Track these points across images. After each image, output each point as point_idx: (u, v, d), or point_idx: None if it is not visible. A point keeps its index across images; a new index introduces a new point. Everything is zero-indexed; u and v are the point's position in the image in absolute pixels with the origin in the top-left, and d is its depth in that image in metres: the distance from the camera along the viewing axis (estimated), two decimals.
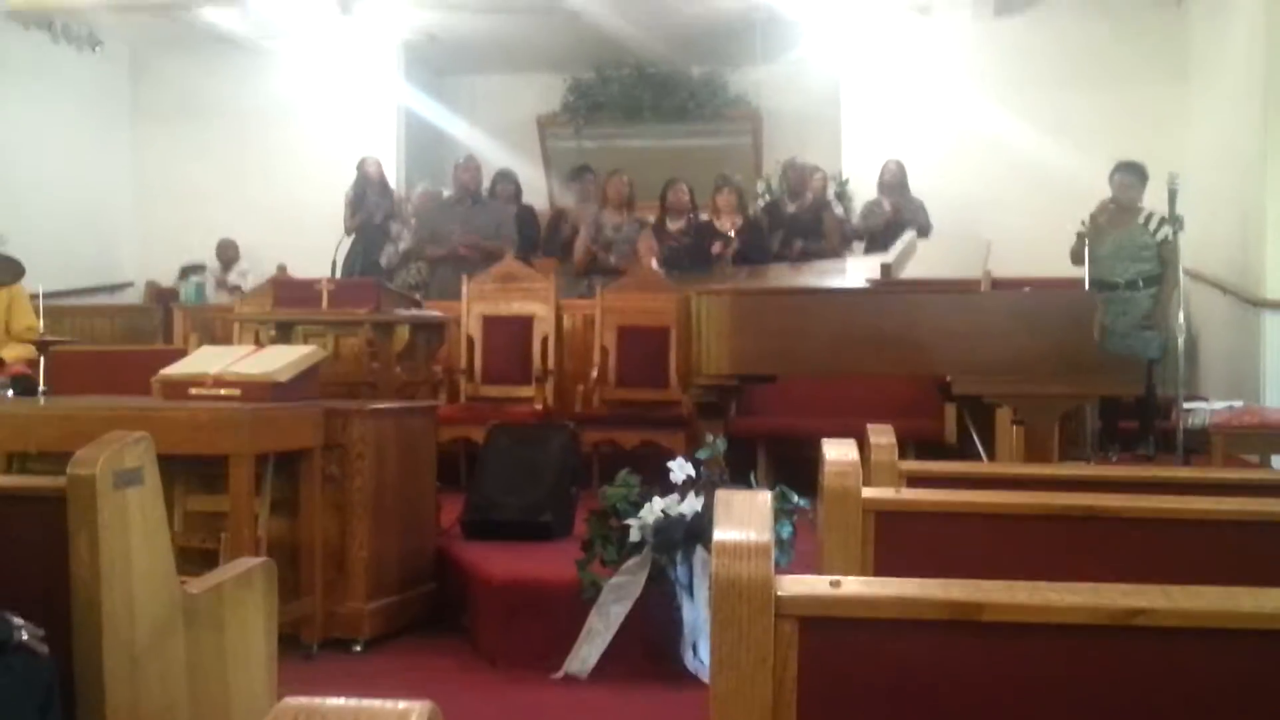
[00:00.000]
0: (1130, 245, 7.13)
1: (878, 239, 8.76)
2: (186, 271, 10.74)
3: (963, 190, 9.57)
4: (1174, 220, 6.53)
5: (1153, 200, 7.20)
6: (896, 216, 8.94)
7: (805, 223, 9.22)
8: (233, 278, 10.56)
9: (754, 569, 1.46)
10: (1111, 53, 10.07)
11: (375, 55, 11.51)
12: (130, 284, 11.57)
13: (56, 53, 10.80)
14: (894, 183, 9.29)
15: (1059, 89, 10.05)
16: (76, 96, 11.20)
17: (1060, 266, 7.60)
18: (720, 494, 1.62)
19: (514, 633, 4.77)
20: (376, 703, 0.95)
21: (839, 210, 9.89)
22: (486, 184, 9.75)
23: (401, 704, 0.94)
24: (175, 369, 5.02)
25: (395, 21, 10.97)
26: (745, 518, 1.53)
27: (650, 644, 4.43)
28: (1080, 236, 7.22)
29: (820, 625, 1.48)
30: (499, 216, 9.26)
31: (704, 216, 8.89)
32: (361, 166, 10.19)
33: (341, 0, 10.06)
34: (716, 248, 8.31)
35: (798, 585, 1.50)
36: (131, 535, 2.55)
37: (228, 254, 10.79)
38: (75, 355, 7.93)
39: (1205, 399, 7.58)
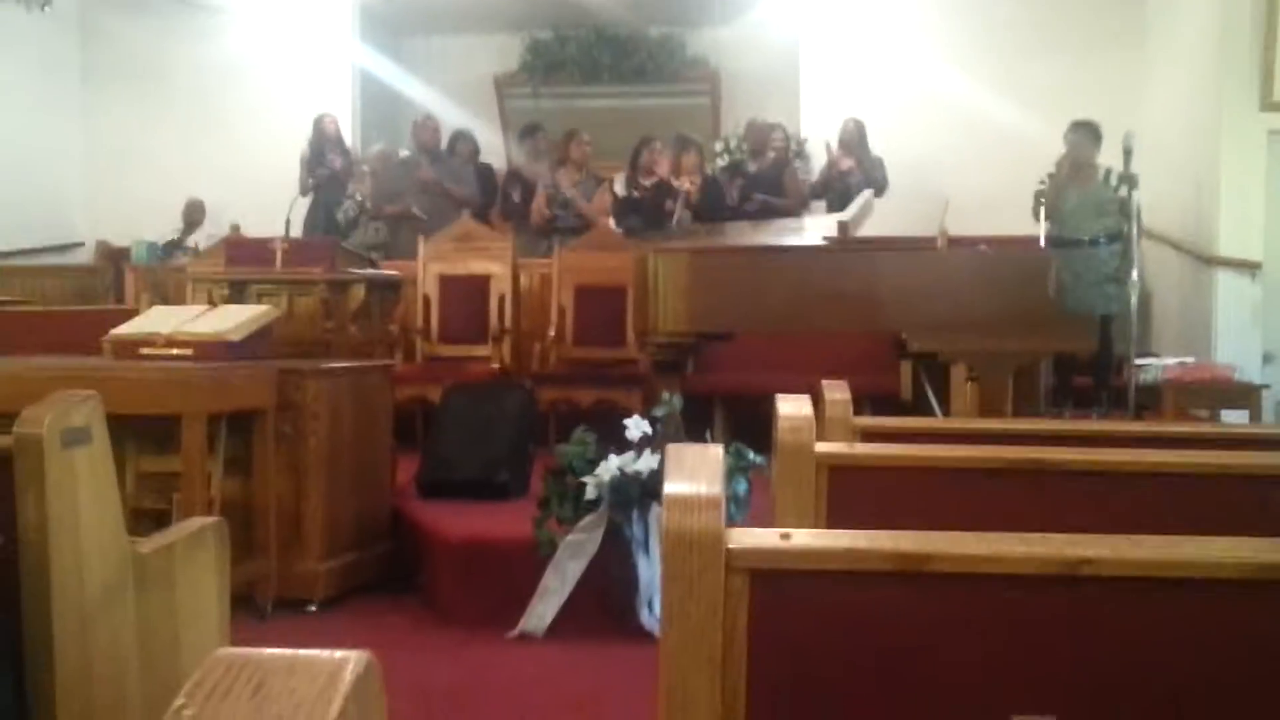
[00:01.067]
0: (1095, 201, 7.17)
1: (837, 197, 8.76)
2: (171, 246, 10.53)
3: (921, 149, 9.58)
4: (1129, 178, 6.58)
5: (1109, 159, 7.23)
6: (855, 174, 8.93)
7: (767, 180, 9.20)
8: (199, 240, 10.40)
9: (704, 522, 1.46)
10: (1069, 13, 10.08)
11: (330, 14, 11.35)
12: (81, 244, 11.42)
13: (4, 12, 10.60)
14: (852, 140, 9.28)
15: (1016, 49, 10.06)
16: (25, 57, 11.00)
17: (1016, 224, 7.64)
18: (671, 448, 1.61)
19: (470, 591, 4.77)
20: (311, 652, 0.94)
21: (800, 169, 9.87)
22: (445, 144, 9.68)
23: (338, 653, 0.93)
24: (126, 328, 4.97)
25: None
26: (696, 471, 1.53)
27: (606, 602, 4.45)
28: (1038, 195, 7.26)
29: (770, 578, 1.48)
30: (459, 173, 9.21)
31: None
32: (318, 124, 10.08)
33: None
34: (670, 206, 8.29)
35: (748, 538, 1.49)
36: (80, 494, 2.53)
37: (194, 215, 10.62)
38: (24, 316, 7.84)
39: (1157, 355, 7.66)
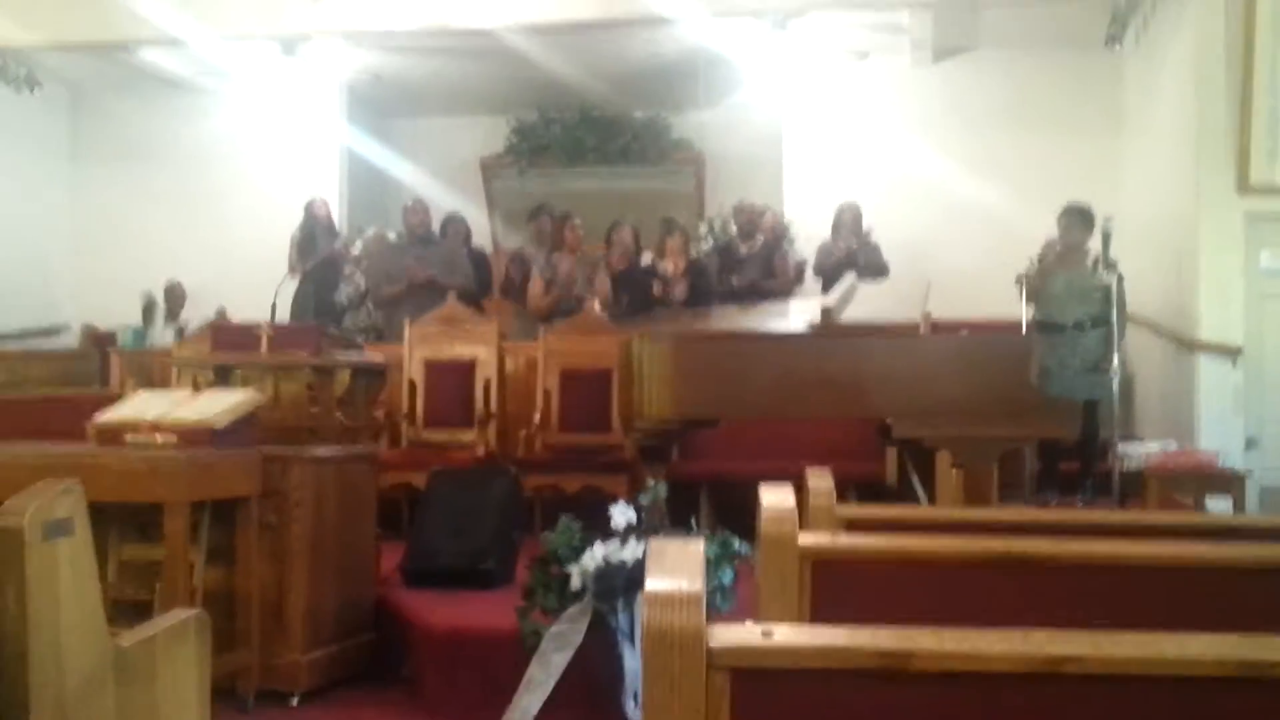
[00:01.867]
0: (1081, 286, 7.20)
1: (832, 279, 8.79)
2: (147, 311, 10.53)
3: (902, 232, 9.67)
4: (1109, 263, 6.62)
5: (1093, 243, 7.30)
6: (851, 258, 8.98)
7: (760, 264, 9.26)
8: (182, 320, 10.41)
9: (685, 619, 1.46)
10: (1048, 98, 10.25)
11: (318, 96, 11.49)
12: (66, 326, 11.42)
13: None
14: (852, 224, 9.35)
15: (996, 133, 10.22)
16: (14, 137, 11.09)
17: (999, 307, 7.69)
18: (653, 544, 1.62)
19: (455, 683, 4.72)
20: None
21: (791, 251, 9.94)
22: (435, 226, 9.72)
23: None
24: (111, 415, 4.95)
25: (338, 63, 10.96)
26: (677, 567, 1.53)
27: (592, 693, 4.40)
28: (1023, 278, 7.29)
29: (752, 676, 1.48)
30: (452, 257, 9.22)
31: (647, 259, 8.92)
32: (310, 208, 10.13)
33: (284, 41, 10.03)
34: (656, 289, 8.32)
35: (730, 635, 1.49)
36: (60, 587, 2.51)
37: (175, 297, 10.63)
38: (8, 402, 7.82)
39: (1141, 439, 7.67)
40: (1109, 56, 9.94)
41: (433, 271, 8.85)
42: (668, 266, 8.73)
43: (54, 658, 2.48)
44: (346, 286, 9.63)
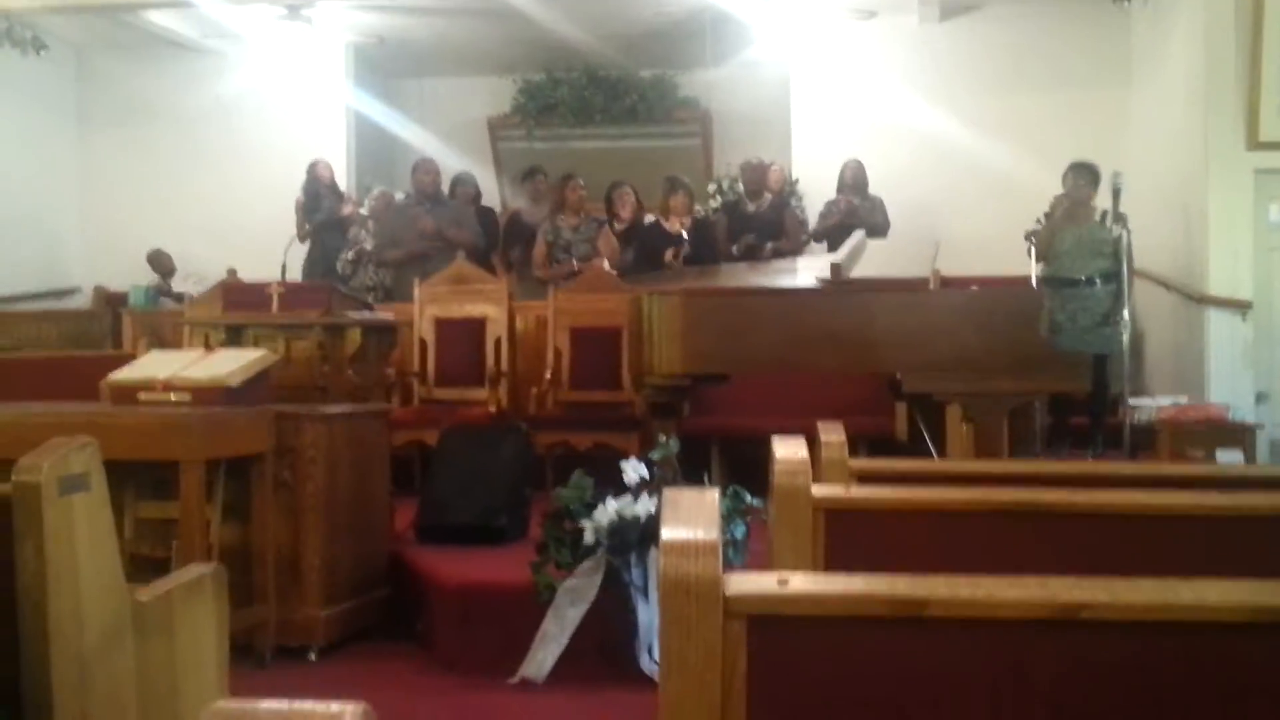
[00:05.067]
0: (1091, 241, 7.18)
1: (837, 238, 8.78)
2: (158, 292, 10.51)
3: (911, 190, 9.64)
4: (1118, 218, 6.61)
5: (1101, 199, 7.28)
6: (854, 215, 8.96)
7: (767, 222, 9.23)
8: (177, 285, 10.41)
9: (702, 568, 1.47)
10: (1056, 55, 10.19)
11: (324, 58, 11.44)
12: (78, 289, 11.44)
13: (0, 56, 10.69)
14: (855, 182, 9.32)
15: (1004, 91, 10.17)
16: (21, 100, 11.06)
17: (1008, 264, 7.68)
18: (668, 493, 1.62)
19: (469, 637, 4.76)
20: (308, 704, 0.95)
21: (800, 208, 9.92)
22: (445, 187, 9.69)
23: (334, 705, 0.94)
24: (124, 374, 4.97)
25: (344, 24, 10.92)
26: (693, 516, 1.54)
27: (606, 646, 4.43)
28: (1032, 235, 7.28)
29: (768, 623, 1.49)
30: (460, 215, 9.19)
31: (650, 218, 8.89)
32: (312, 169, 10.11)
33: (290, 3, 9.97)
34: (669, 255, 8.30)
35: (745, 583, 1.50)
36: (78, 542, 2.53)
37: (163, 264, 10.62)
38: (22, 362, 7.85)
39: (1151, 395, 7.67)
40: (1117, 12, 9.85)
41: (440, 227, 8.81)
42: (674, 225, 8.70)
43: (73, 611, 2.50)
44: (351, 248, 9.61)
